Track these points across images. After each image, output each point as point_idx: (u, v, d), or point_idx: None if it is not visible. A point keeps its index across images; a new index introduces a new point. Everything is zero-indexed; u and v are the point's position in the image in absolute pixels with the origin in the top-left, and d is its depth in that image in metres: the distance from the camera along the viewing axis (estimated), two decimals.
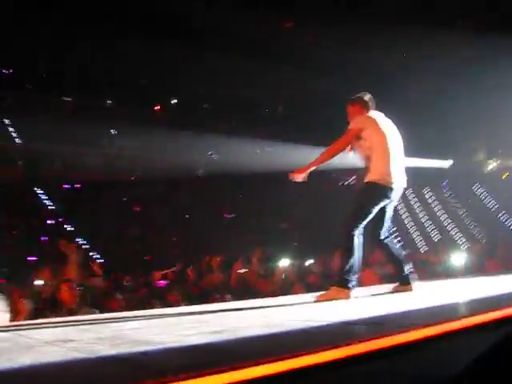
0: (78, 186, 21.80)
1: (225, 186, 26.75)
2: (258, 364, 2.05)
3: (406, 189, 5.06)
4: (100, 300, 6.69)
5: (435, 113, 26.96)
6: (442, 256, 11.02)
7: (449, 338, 2.83)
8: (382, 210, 4.88)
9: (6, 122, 21.10)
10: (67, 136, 22.79)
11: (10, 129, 21.03)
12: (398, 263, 4.89)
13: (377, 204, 4.77)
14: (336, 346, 2.43)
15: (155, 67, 24.72)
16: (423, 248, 19.75)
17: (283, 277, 8.14)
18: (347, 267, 4.63)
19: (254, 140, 27.32)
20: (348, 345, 2.47)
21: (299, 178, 4.84)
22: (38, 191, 20.23)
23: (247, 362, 2.07)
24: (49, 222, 19.26)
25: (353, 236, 4.63)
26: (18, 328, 4.19)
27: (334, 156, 4.73)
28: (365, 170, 4.89)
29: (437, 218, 26.79)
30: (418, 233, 25.19)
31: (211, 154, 27.89)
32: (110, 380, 2.06)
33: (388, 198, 4.81)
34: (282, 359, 2.13)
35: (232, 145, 26.79)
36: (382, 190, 4.74)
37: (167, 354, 2.70)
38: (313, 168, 4.83)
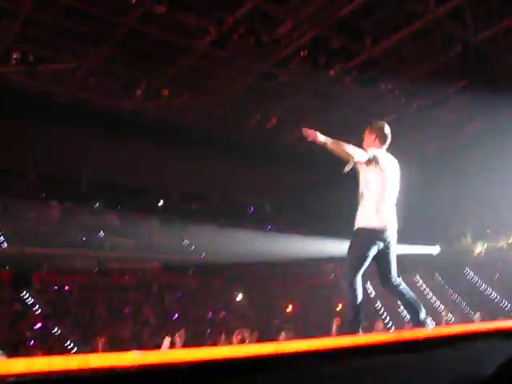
0: (67, 288, 21.56)
1: (216, 283, 26.67)
2: None
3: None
4: None
5: (421, 199, 27.47)
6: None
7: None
8: (382, 255, 4.74)
9: None
10: (55, 239, 22.89)
11: None
12: (414, 309, 4.67)
13: (369, 249, 4.62)
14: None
15: (143, 170, 25.27)
16: None
17: None
18: (354, 314, 4.52)
19: (244, 234, 27.64)
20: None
21: (309, 135, 4.44)
22: (25, 296, 19.95)
23: None
24: (37, 326, 18.83)
25: (352, 284, 4.54)
26: None
27: (335, 150, 4.49)
28: (356, 210, 4.75)
29: (430, 305, 26.55)
30: None
31: (202, 256, 27.85)
32: None
33: (380, 240, 4.63)
34: None
35: (222, 241, 26.98)
36: (370, 234, 4.61)
37: None
38: (321, 140, 4.38)
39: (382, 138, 4.87)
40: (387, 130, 4.91)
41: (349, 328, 4.46)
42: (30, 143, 21.02)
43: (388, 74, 20.08)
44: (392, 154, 5.28)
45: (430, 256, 30.36)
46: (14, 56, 16.82)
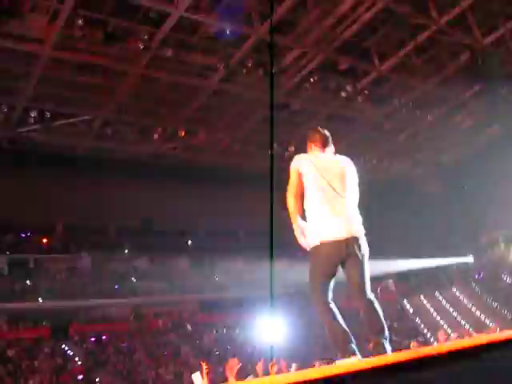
0: (105, 337, 21.62)
1: None
2: None
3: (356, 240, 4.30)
4: None
5: (446, 211, 27.30)
6: None
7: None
8: (349, 266, 4.14)
9: (28, 282, 21.48)
10: (88, 289, 23.13)
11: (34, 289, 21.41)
12: (377, 330, 4.06)
13: (327, 265, 4.10)
14: None
15: (168, 211, 25.51)
16: None
17: None
18: (339, 337, 3.99)
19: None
20: None
21: (305, 245, 4.19)
22: (65, 348, 20.06)
23: None
24: (79, 377, 18.87)
25: (324, 305, 4.01)
26: None
27: (296, 212, 4.15)
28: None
29: (471, 314, 26.09)
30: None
31: (235, 291, 27.77)
32: None
33: (340, 251, 4.08)
34: None
35: (253, 274, 26.95)
36: (323, 249, 4.07)
37: None
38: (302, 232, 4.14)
39: (316, 142, 4.39)
40: (320, 131, 4.46)
41: (341, 354, 3.88)
42: (56, 198, 21.47)
43: (399, 88, 20.19)
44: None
45: (464, 267, 30.01)
46: (32, 115, 17.33)
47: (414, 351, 2.67)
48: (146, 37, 14.42)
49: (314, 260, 4.11)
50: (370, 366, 2.43)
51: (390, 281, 30.09)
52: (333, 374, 2.25)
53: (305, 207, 4.15)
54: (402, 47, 17.52)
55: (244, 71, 16.86)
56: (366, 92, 19.40)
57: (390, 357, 2.77)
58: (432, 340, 22.24)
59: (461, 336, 10.27)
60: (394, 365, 2.45)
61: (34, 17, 13.40)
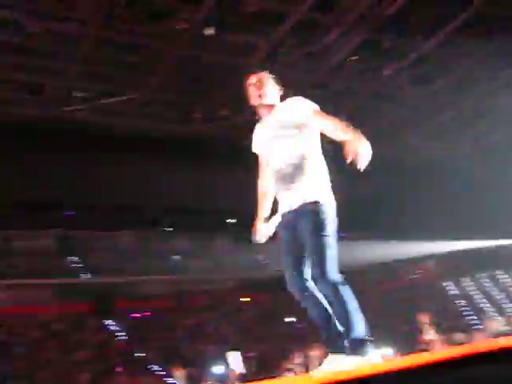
0: (148, 313, 22.01)
1: None
2: None
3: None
4: None
5: (491, 189, 26.57)
6: None
7: None
8: (296, 241, 3.30)
9: (75, 258, 21.95)
10: (130, 266, 23.51)
11: (79, 265, 21.88)
12: (327, 320, 3.23)
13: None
14: None
15: (210, 190, 25.59)
16: None
17: None
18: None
19: None
20: None
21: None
22: (109, 323, 20.53)
23: None
24: (123, 352, 19.31)
25: (340, 284, 3.13)
26: None
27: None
28: (295, 182, 3.43)
29: None
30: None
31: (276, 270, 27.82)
32: None
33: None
34: None
35: None
36: (333, 213, 3.29)
37: None
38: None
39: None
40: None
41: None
42: (97, 176, 21.78)
43: (442, 69, 19.66)
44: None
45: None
46: (74, 95, 17.53)
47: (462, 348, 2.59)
48: (187, 16, 14.44)
49: (329, 220, 3.25)
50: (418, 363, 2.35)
51: (432, 262, 29.62)
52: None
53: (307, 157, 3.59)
54: (447, 24, 16.98)
55: (284, 51, 16.72)
56: (409, 71, 19.04)
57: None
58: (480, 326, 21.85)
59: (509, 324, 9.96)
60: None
61: None
